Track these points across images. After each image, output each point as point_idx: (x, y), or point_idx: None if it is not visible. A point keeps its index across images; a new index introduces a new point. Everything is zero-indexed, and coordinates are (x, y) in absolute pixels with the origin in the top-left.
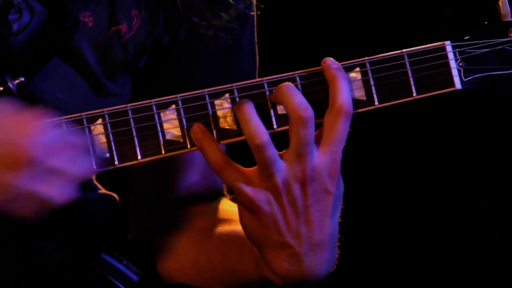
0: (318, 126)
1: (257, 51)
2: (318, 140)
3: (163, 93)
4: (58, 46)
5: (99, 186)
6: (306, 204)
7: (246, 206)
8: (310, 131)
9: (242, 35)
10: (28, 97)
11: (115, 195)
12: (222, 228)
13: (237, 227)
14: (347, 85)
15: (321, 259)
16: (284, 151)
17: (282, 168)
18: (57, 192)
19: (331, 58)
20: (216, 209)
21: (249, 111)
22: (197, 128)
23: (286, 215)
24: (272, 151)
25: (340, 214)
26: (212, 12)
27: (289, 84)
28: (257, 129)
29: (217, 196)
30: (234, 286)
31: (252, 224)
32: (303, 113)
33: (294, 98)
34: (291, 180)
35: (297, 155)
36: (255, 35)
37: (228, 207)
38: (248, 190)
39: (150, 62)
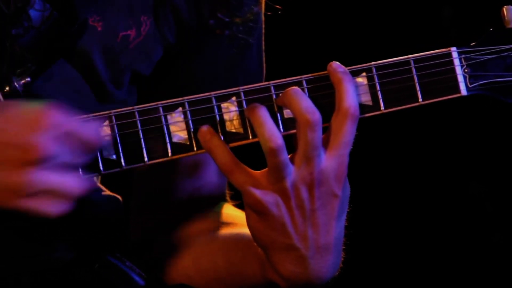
0: (325, 130)
1: (264, 57)
2: (325, 144)
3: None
4: (64, 49)
5: (102, 188)
6: (313, 207)
7: (254, 208)
8: (317, 135)
9: (250, 40)
10: (32, 98)
11: (118, 196)
12: (226, 231)
13: (241, 229)
14: (353, 89)
15: (326, 262)
16: (291, 154)
17: (292, 171)
18: (73, 182)
19: (337, 62)
20: (219, 213)
21: (264, 114)
22: (205, 130)
23: (294, 217)
24: (285, 155)
25: (346, 217)
26: (226, 14)
27: (296, 88)
28: (272, 132)
29: (219, 201)
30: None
31: (259, 226)
32: (310, 116)
33: (301, 102)
34: (299, 183)
35: (305, 159)
36: (263, 41)
37: (231, 212)
38: (257, 192)
39: (157, 69)
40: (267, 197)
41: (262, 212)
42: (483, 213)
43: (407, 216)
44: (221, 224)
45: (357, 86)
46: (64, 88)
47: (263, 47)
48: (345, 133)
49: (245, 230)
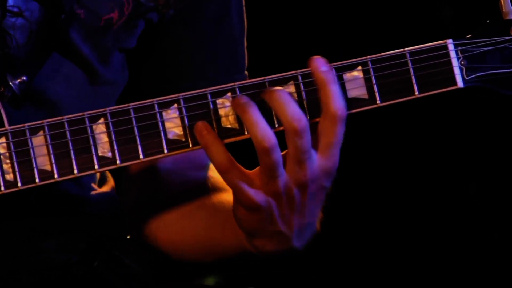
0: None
1: (245, 15)
2: (315, 144)
3: (160, 73)
4: (55, 41)
5: (96, 187)
6: (304, 201)
7: (245, 205)
8: (306, 140)
9: (229, 2)
10: (32, 96)
11: (116, 195)
12: (209, 200)
13: (223, 197)
14: (338, 89)
15: (307, 235)
16: (283, 153)
17: (284, 172)
18: None
19: (319, 58)
20: (205, 177)
21: (255, 113)
22: (202, 126)
23: (283, 211)
24: (278, 154)
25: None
26: None
27: (281, 91)
28: (265, 132)
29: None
30: (222, 258)
31: (247, 218)
32: (297, 124)
33: (287, 108)
34: (292, 183)
35: (297, 162)
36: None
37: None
38: (250, 192)
39: (143, 43)
40: (259, 197)
41: (252, 208)
42: (481, 213)
43: (404, 214)
44: (206, 190)
45: (341, 82)
46: (59, 80)
47: (244, 6)
48: (335, 135)
49: (226, 198)
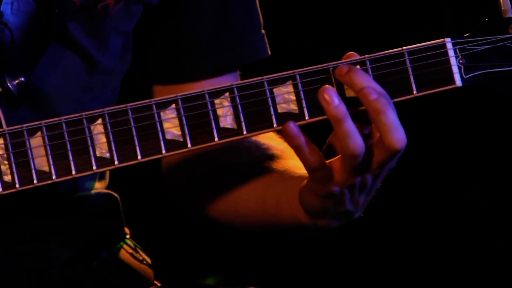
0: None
1: None
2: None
3: (171, 54)
4: (51, 35)
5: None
6: (374, 184)
7: (322, 195)
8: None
9: None
10: (29, 93)
11: (115, 194)
12: (262, 173)
13: (278, 165)
14: (393, 118)
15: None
16: None
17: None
18: None
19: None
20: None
21: (350, 126)
22: (291, 128)
23: (354, 196)
24: (362, 157)
25: None
26: None
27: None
28: (356, 142)
29: None
30: (273, 228)
31: (316, 203)
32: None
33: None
34: (370, 175)
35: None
36: None
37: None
38: (330, 185)
39: (145, 26)
40: (336, 189)
41: (326, 196)
42: (483, 214)
43: (406, 217)
44: (262, 154)
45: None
46: (56, 72)
47: None
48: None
49: (283, 169)
